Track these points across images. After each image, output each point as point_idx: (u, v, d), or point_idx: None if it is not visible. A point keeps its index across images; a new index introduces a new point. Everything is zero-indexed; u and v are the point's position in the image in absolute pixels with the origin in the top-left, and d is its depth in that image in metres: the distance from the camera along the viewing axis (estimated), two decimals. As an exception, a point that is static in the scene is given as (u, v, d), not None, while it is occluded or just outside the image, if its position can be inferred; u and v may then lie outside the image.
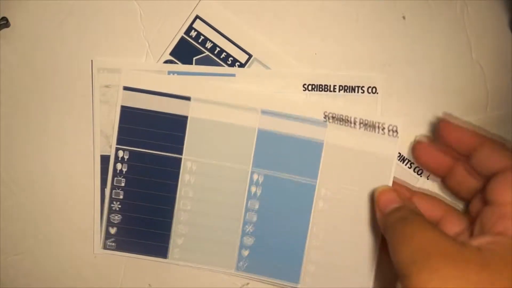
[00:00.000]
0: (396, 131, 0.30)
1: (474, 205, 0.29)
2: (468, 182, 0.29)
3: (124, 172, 0.32)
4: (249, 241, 0.32)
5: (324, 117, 0.31)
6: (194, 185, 0.32)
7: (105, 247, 0.32)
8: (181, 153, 0.31)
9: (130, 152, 0.32)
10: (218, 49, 0.31)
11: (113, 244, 0.32)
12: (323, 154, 0.31)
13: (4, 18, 0.31)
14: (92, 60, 0.31)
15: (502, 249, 0.24)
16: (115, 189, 0.32)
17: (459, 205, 0.31)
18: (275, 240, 0.32)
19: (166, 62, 0.31)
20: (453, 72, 0.31)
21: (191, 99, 0.31)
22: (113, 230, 0.32)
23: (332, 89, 0.31)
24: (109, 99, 0.31)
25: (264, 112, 0.31)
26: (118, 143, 0.31)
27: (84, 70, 0.32)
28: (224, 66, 0.31)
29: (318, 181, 0.31)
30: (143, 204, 0.32)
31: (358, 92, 0.31)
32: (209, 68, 0.31)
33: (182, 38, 0.31)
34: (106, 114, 0.32)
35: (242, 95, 0.31)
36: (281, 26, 0.31)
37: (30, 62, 0.32)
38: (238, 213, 0.32)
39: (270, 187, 0.31)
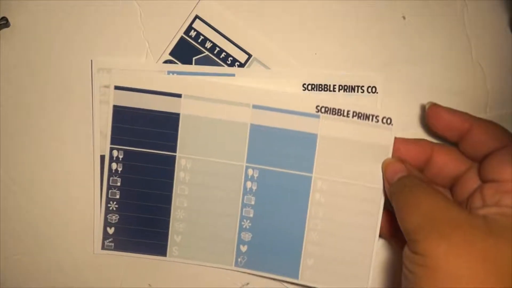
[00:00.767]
0: (391, 121, 0.30)
1: (460, 188, 0.28)
2: (448, 169, 0.29)
3: (119, 172, 0.32)
4: (246, 236, 0.32)
5: (317, 110, 0.31)
6: (190, 182, 0.32)
7: (103, 247, 0.32)
8: (175, 151, 0.31)
9: (125, 151, 0.32)
10: (217, 49, 0.31)
11: (111, 244, 0.32)
12: (317, 146, 0.31)
13: (4, 18, 0.31)
14: (92, 60, 0.31)
15: (508, 219, 0.24)
16: (111, 189, 0.32)
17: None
18: (273, 234, 0.32)
19: (166, 62, 0.31)
20: (453, 72, 0.31)
21: (182, 96, 0.31)
22: (111, 230, 0.32)
23: (332, 88, 0.31)
24: (109, 99, 0.31)
25: (255, 106, 0.31)
26: (112, 143, 0.32)
27: (84, 70, 0.32)
28: (223, 66, 0.31)
29: (313, 173, 0.31)
30: (139, 203, 0.32)
31: (358, 92, 0.31)
32: (209, 68, 0.31)
33: (181, 38, 0.31)
34: (106, 114, 0.32)
35: (233, 91, 0.31)
36: (281, 26, 0.31)
37: (30, 62, 0.32)
38: (234, 209, 0.32)
39: (265, 182, 0.31)
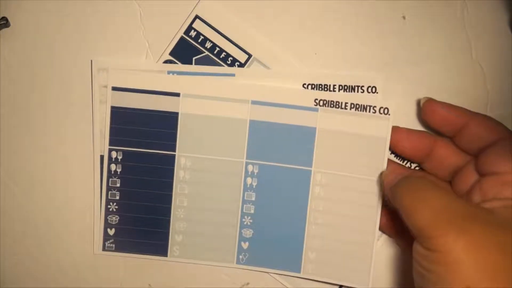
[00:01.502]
0: (388, 111, 0.30)
1: (459, 181, 0.28)
2: (449, 161, 0.29)
3: (118, 173, 0.32)
4: (248, 233, 0.32)
5: (315, 104, 0.31)
6: (189, 181, 0.32)
7: (104, 248, 0.32)
8: (174, 150, 0.31)
9: (124, 152, 0.32)
10: (217, 49, 0.31)
11: (112, 245, 0.32)
12: (316, 140, 0.31)
13: (4, 18, 0.31)
14: (92, 60, 0.31)
15: None
16: (111, 190, 0.32)
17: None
18: (274, 230, 0.32)
19: (166, 62, 0.31)
20: (453, 72, 0.31)
21: (181, 95, 0.31)
22: (111, 231, 0.32)
23: (332, 88, 0.31)
24: (106, 100, 0.31)
25: (254, 102, 0.31)
26: (110, 144, 0.32)
27: (84, 70, 0.32)
28: (223, 66, 0.31)
29: (313, 167, 0.31)
30: (139, 204, 0.32)
31: (358, 92, 0.31)
32: (209, 68, 0.31)
33: (181, 38, 0.31)
34: (106, 114, 0.32)
35: (231, 88, 0.31)
36: (281, 26, 0.31)
37: (30, 62, 0.32)
38: (235, 206, 0.32)
39: (265, 177, 0.31)
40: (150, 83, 0.31)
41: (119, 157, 0.32)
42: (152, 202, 0.32)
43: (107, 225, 0.32)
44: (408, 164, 0.31)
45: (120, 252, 0.32)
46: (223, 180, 0.32)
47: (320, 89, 0.31)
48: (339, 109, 0.31)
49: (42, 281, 0.33)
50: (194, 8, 0.31)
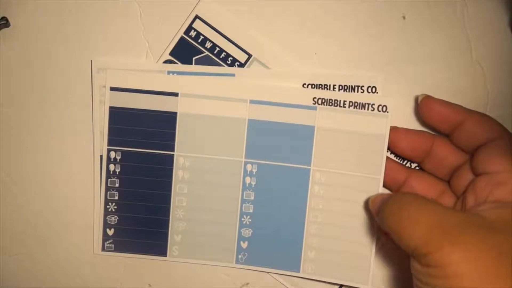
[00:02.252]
0: (387, 109, 0.30)
1: (454, 180, 0.29)
2: (448, 160, 0.29)
3: (117, 173, 0.32)
4: (247, 232, 0.32)
5: (314, 102, 0.31)
6: (188, 180, 0.32)
7: (103, 248, 0.32)
8: (173, 150, 0.31)
9: (122, 152, 0.32)
10: (217, 49, 0.31)
11: (111, 245, 0.32)
12: (315, 138, 0.31)
13: (4, 18, 0.31)
14: (91, 60, 0.31)
15: (506, 213, 0.24)
16: (110, 190, 0.32)
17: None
18: (273, 229, 0.32)
19: (165, 62, 0.31)
20: (453, 72, 0.31)
21: (179, 95, 0.31)
22: (110, 232, 0.32)
23: (332, 88, 0.31)
24: (104, 100, 0.31)
25: (252, 101, 0.31)
26: (109, 144, 0.31)
27: (84, 70, 0.32)
28: (223, 66, 0.31)
29: (312, 165, 0.31)
30: (138, 204, 0.32)
31: (358, 92, 0.31)
32: (209, 68, 0.31)
33: (181, 38, 0.31)
34: (104, 114, 0.32)
35: (230, 87, 0.31)
36: (281, 26, 0.31)
37: (30, 62, 0.32)
38: (234, 205, 0.32)
39: (264, 176, 0.31)
40: (149, 83, 0.31)
41: (118, 157, 0.32)
42: (151, 202, 0.32)
43: (106, 225, 0.32)
44: (408, 164, 0.31)
45: (119, 252, 0.32)
46: (222, 179, 0.32)
47: (320, 89, 0.31)
48: (338, 107, 0.31)
49: (42, 281, 0.33)
50: (194, 8, 0.31)
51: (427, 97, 0.30)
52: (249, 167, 0.31)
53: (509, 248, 0.22)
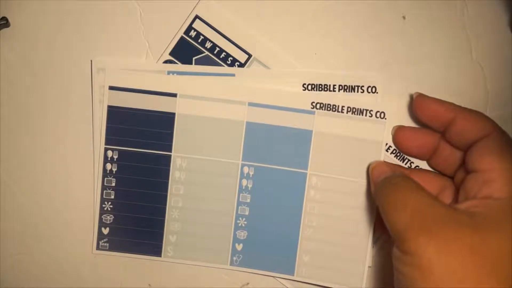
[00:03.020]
0: (384, 116, 0.30)
1: (457, 176, 0.29)
2: (454, 157, 0.29)
3: (114, 172, 0.32)
4: (242, 235, 0.32)
5: (312, 107, 0.31)
6: (185, 181, 0.32)
7: (98, 247, 0.32)
8: (170, 150, 0.31)
9: (119, 151, 0.32)
10: (217, 49, 0.31)
11: (106, 244, 0.32)
12: (312, 143, 0.31)
13: (4, 18, 0.31)
14: (91, 60, 0.31)
15: (490, 211, 0.24)
16: (106, 189, 0.32)
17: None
18: (268, 232, 0.32)
19: (165, 62, 0.31)
20: (453, 72, 0.31)
21: (178, 96, 0.31)
22: (105, 231, 0.32)
23: (332, 88, 0.31)
24: (103, 99, 0.31)
25: (251, 104, 0.31)
26: (106, 143, 0.32)
27: (84, 70, 0.32)
28: (223, 66, 0.31)
29: (308, 169, 0.31)
30: (134, 203, 0.32)
31: (358, 92, 0.31)
32: (209, 68, 0.31)
33: (181, 38, 0.31)
34: (102, 113, 0.32)
35: (229, 89, 0.31)
36: (281, 26, 0.31)
37: (30, 62, 0.32)
38: (230, 208, 0.32)
39: (261, 179, 0.31)
40: (147, 83, 0.31)
41: (115, 157, 0.32)
42: (147, 202, 0.32)
43: (101, 224, 0.32)
44: (408, 164, 0.32)
45: (114, 251, 0.32)
46: (218, 181, 0.32)
47: (320, 89, 0.31)
48: (336, 112, 0.31)
49: (42, 281, 0.33)
50: (194, 8, 0.31)
51: (420, 96, 0.30)
52: (245, 169, 0.31)
53: (484, 248, 0.23)
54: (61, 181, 0.33)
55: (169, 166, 0.32)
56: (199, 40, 0.31)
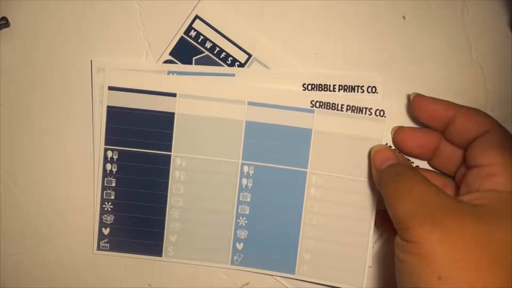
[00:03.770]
0: (384, 114, 0.30)
1: (458, 174, 0.29)
2: (454, 155, 0.29)
3: (114, 172, 0.32)
4: (242, 234, 0.32)
5: (311, 105, 0.31)
6: (185, 181, 0.32)
7: (99, 248, 0.32)
8: (170, 150, 0.31)
9: (119, 151, 0.32)
10: (217, 49, 0.31)
11: (107, 244, 0.32)
12: (312, 141, 0.31)
13: (4, 18, 0.31)
14: (91, 60, 0.31)
15: (495, 203, 0.24)
16: (106, 190, 0.32)
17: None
18: (269, 231, 0.32)
19: (165, 62, 0.31)
20: (453, 72, 0.31)
21: (177, 95, 0.31)
22: (106, 231, 0.32)
23: (332, 88, 0.31)
24: (102, 99, 0.31)
25: (250, 103, 0.31)
26: (106, 144, 0.32)
27: (84, 70, 0.32)
28: (223, 66, 0.31)
29: (308, 168, 0.31)
30: (135, 203, 0.32)
31: (358, 91, 0.31)
32: (209, 68, 0.31)
33: (181, 38, 0.31)
34: (102, 113, 0.32)
35: (228, 88, 0.31)
36: (281, 26, 0.31)
37: (30, 62, 0.32)
38: (230, 207, 0.32)
39: (261, 179, 0.31)
40: (147, 83, 0.31)
41: (115, 157, 0.32)
42: (147, 202, 0.32)
43: (101, 224, 0.32)
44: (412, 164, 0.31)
45: (114, 251, 0.32)
46: (218, 180, 0.32)
47: (320, 89, 0.31)
48: (335, 110, 0.31)
49: (42, 281, 0.33)
50: (194, 8, 0.31)
51: (417, 96, 0.30)
52: (245, 168, 0.31)
53: (487, 239, 0.23)
54: (61, 181, 0.33)
55: (169, 166, 0.32)
56: (199, 40, 0.31)
